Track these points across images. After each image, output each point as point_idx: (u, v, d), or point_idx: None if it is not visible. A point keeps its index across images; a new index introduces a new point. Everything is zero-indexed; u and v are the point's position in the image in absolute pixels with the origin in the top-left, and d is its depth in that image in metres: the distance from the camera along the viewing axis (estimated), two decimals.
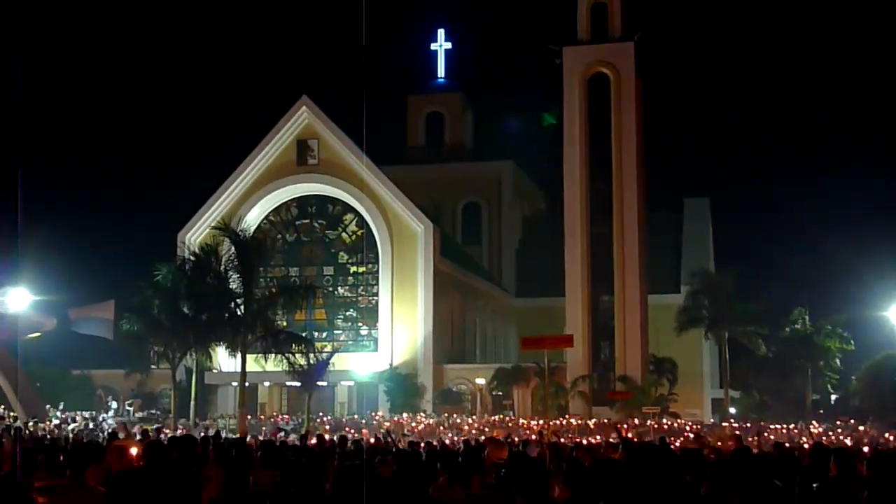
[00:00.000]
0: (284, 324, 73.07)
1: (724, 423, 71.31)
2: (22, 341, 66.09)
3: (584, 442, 37.35)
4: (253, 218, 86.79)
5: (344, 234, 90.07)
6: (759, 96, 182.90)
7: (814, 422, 71.75)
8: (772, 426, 65.95)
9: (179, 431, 49.01)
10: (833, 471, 12.40)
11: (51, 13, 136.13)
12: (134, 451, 14.98)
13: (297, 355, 64.90)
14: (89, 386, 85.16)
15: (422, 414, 75.55)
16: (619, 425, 53.58)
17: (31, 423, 53.44)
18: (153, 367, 76.45)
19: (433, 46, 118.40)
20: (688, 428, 64.42)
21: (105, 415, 69.92)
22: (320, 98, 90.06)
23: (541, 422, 60.52)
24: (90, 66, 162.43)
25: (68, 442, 29.08)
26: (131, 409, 75.33)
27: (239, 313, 64.32)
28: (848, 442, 45.65)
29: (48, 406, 67.10)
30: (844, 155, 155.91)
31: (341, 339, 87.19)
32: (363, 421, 69.85)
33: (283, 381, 74.80)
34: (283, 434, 45.83)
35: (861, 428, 65.49)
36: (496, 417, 73.65)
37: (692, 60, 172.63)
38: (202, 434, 36.45)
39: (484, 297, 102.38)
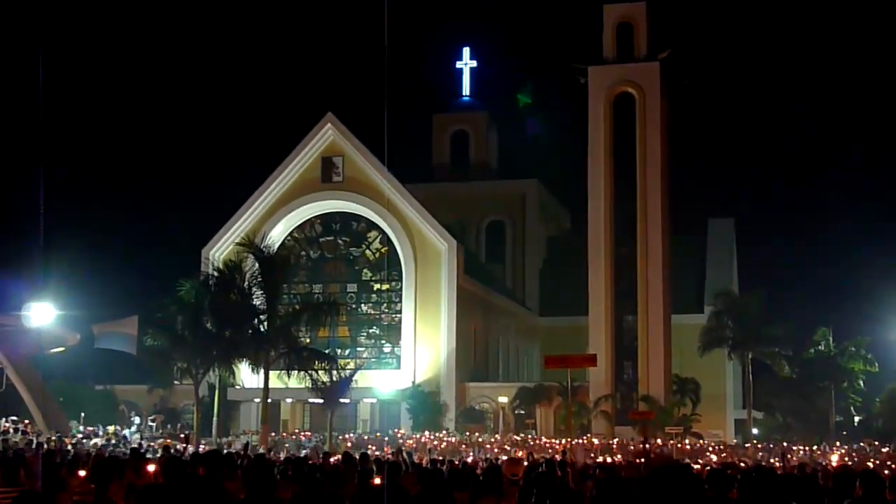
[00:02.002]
0: (307, 340, 72.98)
1: (747, 444, 71.15)
2: (46, 356, 66.28)
3: (609, 461, 37.24)
4: (277, 234, 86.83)
5: (368, 252, 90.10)
6: (784, 117, 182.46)
7: (837, 443, 71.56)
8: (795, 447, 65.73)
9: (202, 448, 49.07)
10: (858, 493, 12.34)
11: (77, 32, 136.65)
12: (151, 467, 15.06)
13: (319, 372, 64.80)
14: (112, 401, 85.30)
15: (444, 432, 75.48)
16: (643, 443, 53.44)
17: (53, 438, 53.57)
18: (176, 382, 76.44)
19: (459, 65, 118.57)
20: (710, 449, 64.23)
21: (128, 430, 70.04)
22: (345, 115, 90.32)
23: (563, 441, 60.46)
24: (117, 83, 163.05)
25: (90, 457, 29.07)
26: (154, 424, 75.42)
27: (262, 330, 64.32)
28: (870, 464, 45.46)
29: (72, 421, 67.30)
30: (870, 177, 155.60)
31: (364, 356, 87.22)
32: (385, 438, 69.83)
33: (306, 397, 74.64)
34: (296, 449, 45.74)
35: (884, 450, 65.20)
36: (518, 436, 73.55)
37: (717, 81, 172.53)
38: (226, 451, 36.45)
39: (507, 315, 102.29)
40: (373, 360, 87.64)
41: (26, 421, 62.40)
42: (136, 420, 76.28)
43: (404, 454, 40.56)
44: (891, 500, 12.54)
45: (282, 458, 32.70)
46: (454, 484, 14.07)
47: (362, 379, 74.47)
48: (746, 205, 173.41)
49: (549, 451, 56.68)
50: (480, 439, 70.10)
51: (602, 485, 12.50)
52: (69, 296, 65.48)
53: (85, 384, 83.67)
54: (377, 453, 47.70)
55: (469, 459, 45.01)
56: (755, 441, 75.90)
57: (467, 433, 74.31)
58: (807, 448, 65.49)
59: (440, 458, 42.50)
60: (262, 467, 16.50)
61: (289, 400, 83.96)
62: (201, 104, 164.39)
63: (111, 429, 67.24)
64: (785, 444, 68.13)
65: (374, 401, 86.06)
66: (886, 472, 28.43)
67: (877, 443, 71.17)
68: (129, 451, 33.92)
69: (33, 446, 42.43)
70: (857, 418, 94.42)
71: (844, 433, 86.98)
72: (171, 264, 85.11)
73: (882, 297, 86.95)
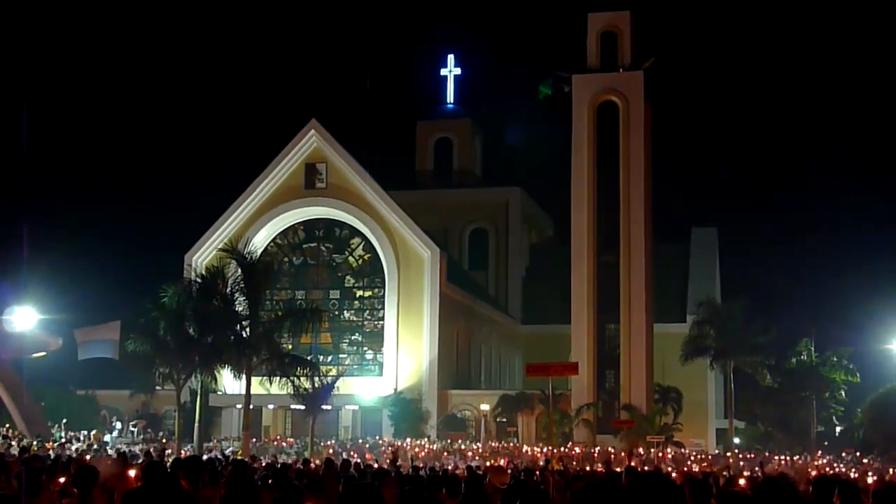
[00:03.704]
0: (290, 347, 72.91)
1: (728, 454, 71.23)
2: (27, 360, 66.10)
3: (588, 469, 37.29)
4: (260, 240, 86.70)
5: (351, 258, 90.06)
6: (767, 127, 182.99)
7: (819, 453, 71.69)
8: (776, 457, 65.81)
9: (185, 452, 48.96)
10: (837, 503, 12.38)
11: (62, 38, 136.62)
12: (132, 472, 15.07)
13: (301, 378, 64.67)
14: (94, 406, 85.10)
15: (426, 439, 75.41)
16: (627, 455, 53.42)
17: (35, 443, 53.40)
18: (158, 388, 76.44)
19: (443, 72, 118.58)
20: (692, 458, 64.28)
21: (110, 436, 69.83)
22: (329, 122, 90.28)
23: (545, 449, 60.46)
24: (99, 88, 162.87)
25: (70, 462, 28.98)
26: (135, 429, 75.24)
27: (244, 336, 64.20)
28: (853, 474, 45.55)
29: (53, 425, 67.10)
30: (854, 187, 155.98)
31: (346, 363, 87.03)
32: (367, 445, 69.76)
33: (288, 404, 74.60)
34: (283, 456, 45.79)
35: (865, 461, 65.32)
36: (501, 444, 73.49)
37: (701, 89, 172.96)
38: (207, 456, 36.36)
39: (489, 323, 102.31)
40: (355, 366, 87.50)
41: (7, 425, 62.24)
42: (118, 425, 76.07)
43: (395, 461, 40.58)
44: None
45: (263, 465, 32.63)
46: (438, 487, 14.09)
47: (344, 386, 74.36)
48: (729, 214, 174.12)
49: (530, 458, 56.68)
50: (462, 447, 70.05)
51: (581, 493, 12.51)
52: (51, 300, 65.46)
53: (67, 389, 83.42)
54: (357, 460, 47.67)
55: (450, 467, 45.01)
56: (737, 450, 76.01)
57: (449, 440, 74.30)
58: (787, 458, 65.59)
59: (421, 465, 42.52)
60: (241, 474, 16.52)
61: (271, 406, 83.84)
62: (185, 110, 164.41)
63: (91, 433, 66.97)
64: (767, 453, 68.22)
65: (356, 408, 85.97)
66: (870, 480, 28.54)
67: (858, 453, 71.33)
68: (107, 455, 33.81)
69: (15, 451, 42.29)
70: (838, 428, 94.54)
71: (826, 443, 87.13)
72: (154, 269, 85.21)
73: (864, 306, 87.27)
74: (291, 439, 75.46)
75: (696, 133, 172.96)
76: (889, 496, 12.47)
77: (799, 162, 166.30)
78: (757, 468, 50.02)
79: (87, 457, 39.21)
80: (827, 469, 53.82)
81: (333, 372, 73.83)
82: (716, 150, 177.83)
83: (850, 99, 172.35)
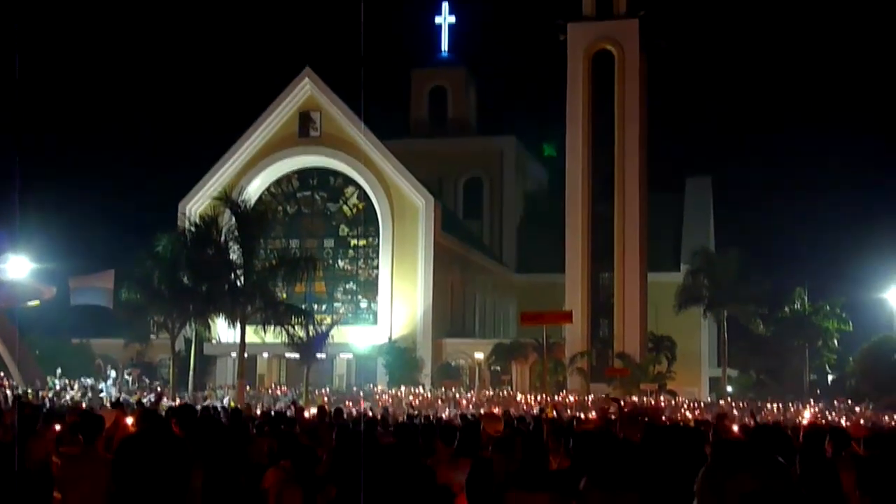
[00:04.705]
0: (284, 296, 73.03)
1: (721, 402, 71.51)
2: (21, 309, 66.14)
3: (582, 416, 37.39)
4: (254, 189, 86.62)
5: (345, 207, 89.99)
6: (762, 76, 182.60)
7: (811, 401, 71.99)
8: (769, 405, 66.06)
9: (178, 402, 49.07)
10: (829, 451, 12.43)
11: None
12: (130, 420, 15.12)
13: (296, 327, 64.95)
14: (88, 355, 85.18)
15: (420, 388, 75.60)
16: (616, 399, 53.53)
17: (29, 391, 53.54)
18: (152, 336, 76.53)
19: (437, 20, 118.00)
20: (685, 406, 64.53)
21: (103, 384, 69.95)
22: (323, 70, 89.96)
23: (539, 398, 60.62)
24: (91, 35, 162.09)
25: (66, 411, 29.04)
26: (130, 378, 75.40)
27: (239, 284, 64.33)
28: (844, 422, 45.74)
29: (47, 375, 67.21)
30: (848, 136, 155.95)
31: (341, 311, 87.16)
32: (361, 394, 69.97)
33: (282, 352, 74.77)
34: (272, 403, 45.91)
35: (857, 409, 65.62)
36: (495, 392, 73.68)
37: (696, 38, 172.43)
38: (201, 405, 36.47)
39: (484, 272, 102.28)
40: (349, 315, 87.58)
41: (1, 373, 62.34)
42: (113, 374, 76.24)
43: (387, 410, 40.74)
44: (863, 455, 12.63)
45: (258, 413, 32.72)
46: (432, 435, 14.14)
47: (339, 334, 74.50)
48: (723, 163, 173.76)
49: (524, 407, 56.85)
50: (457, 395, 70.26)
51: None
52: (45, 249, 65.42)
53: (61, 338, 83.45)
54: (352, 408, 47.89)
55: (445, 414, 45.18)
56: (729, 399, 76.29)
57: (443, 389, 74.49)
58: (780, 406, 65.86)
59: (416, 413, 42.68)
60: (237, 422, 16.58)
61: (265, 355, 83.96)
62: (179, 58, 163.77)
63: (86, 381, 67.12)
64: (759, 402, 68.45)
65: (351, 356, 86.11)
66: (861, 422, 28.78)
67: (850, 401, 71.65)
68: (105, 405, 33.88)
69: (9, 400, 42.39)
70: (830, 377, 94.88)
71: (818, 392, 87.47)
72: (148, 218, 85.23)
73: (858, 256, 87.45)
74: (286, 388, 75.63)
75: (691, 83, 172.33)
76: (880, 443, 12.51)
77: (794, 112, 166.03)
78: (748, 417, 50.20)
79: (84, 405, 39.35)
80: (819, 417, 54.07)
81: (328, 321, 74.14)
82: (711, 99, 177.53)
83: (846, 51, 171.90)
